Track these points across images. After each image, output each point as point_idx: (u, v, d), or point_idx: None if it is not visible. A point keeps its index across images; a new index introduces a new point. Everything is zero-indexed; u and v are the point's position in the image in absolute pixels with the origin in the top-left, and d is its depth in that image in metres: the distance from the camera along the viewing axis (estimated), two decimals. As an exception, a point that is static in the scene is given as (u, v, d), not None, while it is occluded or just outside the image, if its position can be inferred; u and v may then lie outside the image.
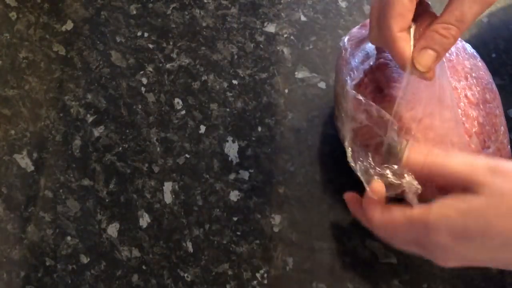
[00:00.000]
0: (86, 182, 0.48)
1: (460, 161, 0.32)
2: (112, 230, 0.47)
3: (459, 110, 0.37)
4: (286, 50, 0.52)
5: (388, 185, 0.34)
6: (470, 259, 0.33)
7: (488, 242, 0.31)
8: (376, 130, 0.36)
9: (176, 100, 0.51)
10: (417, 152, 0.34)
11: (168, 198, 0.47)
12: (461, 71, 0.40)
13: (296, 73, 0.51)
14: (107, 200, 0.48)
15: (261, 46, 0.52)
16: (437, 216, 0.31)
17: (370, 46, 0.40)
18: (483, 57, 0.52)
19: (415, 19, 0.34)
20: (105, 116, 0.51)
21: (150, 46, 0.53)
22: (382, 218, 0.35)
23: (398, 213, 0.34)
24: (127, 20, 0.54)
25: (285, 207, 0.46)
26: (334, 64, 0.47)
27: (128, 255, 0.46)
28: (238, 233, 0.46)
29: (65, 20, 0.55)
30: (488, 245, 0.31)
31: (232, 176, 0.48)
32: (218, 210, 0.47)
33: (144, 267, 0.46)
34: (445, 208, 0.32)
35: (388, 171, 0.34)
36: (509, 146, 0.40)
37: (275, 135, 0.49)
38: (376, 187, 0.34)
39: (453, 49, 0.41)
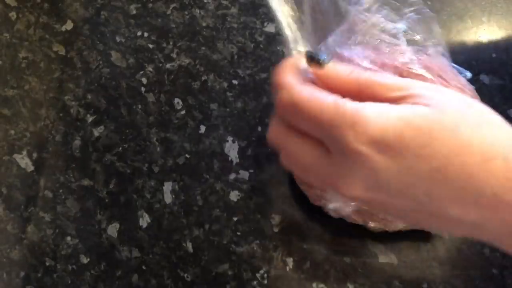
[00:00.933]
0: (86, 182, 0.48)
1: (390, 76, 0.27)
2: (112, 230, 0.47)
3: None
4: (286, 50, 0.52)
5: None
6: (384, 186, 0.25)
7: (423, 163, 0.24)
8: None
9: (176, 100, 0.51)
10: (342, 66, 0.28)
11: (168, 198, 0.47)
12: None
13: (296, 73, 0.51)
14: (107, 200, 0.48)
15: (261, 46, 0.52)
16: (374, 114, 0.24)
17: None
18: (483, 57, 0.52)
19: None
20: (105, 116, 0.51)
21: (150, 46, 0.53)
22: (305, 89, 0.26)
23: (325, 94, 0.26)
24: (127, 20, 0.54)
25: (285, 207, 0.46)
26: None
27: (128, 255, 0.46)
28: (238, 233, 0.46)
29: (65, 20, 0.54)
30: (419, 168, 0.24)
31: (232, 176, 0.48)
32: (218, 210, 0.47)
33: (144, 267, 0.46)
34: (384, 109, 0.24)
35: None
36: None
37: (275, 135, 0.49)
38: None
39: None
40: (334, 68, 0.27)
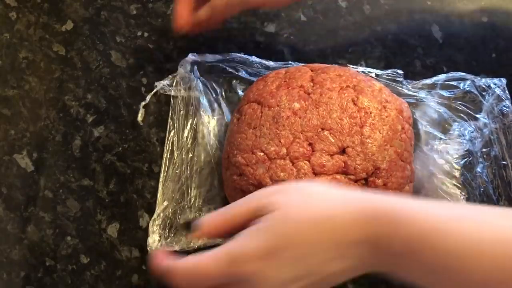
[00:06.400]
0: (86, 182, 0.48)
1: (240, 201, 0.34)
2: (112, 230, 0.47)
3: None
4: (286, 50, 0.52)
5: None
6: (289, 280, 0.31)
7: (297, 250, 0.30)
8: None
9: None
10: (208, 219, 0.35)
11: (168, 198, 0.47)
12: None
13: (296, 73, 0.51)
14: (107, 200, 0.48)
15: (261, 46, 0.52)
16: (239, 243, 0.31)
17: None
18: (483, 57, 0.52)
19: None
20: (105, 116, 0.51)
21: (150, 46, 0.53)
22: (185, 264, 0.32)
23: (202, 257, 0.32)
24: (127, 20, 0.54)
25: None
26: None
27: (128, 255, 0.46)
28: (238, 233, 0.46)
29: (65, 20, 0.55)
30: (297, 255, 0.31)
31: (232, 176, 0.48)
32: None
33: (144, 267, 0.46)
34: (243, 235, 0.32)
35: None
36: None
37: (275, 135, 0.49)
38: None
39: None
40: (208, 222, 0.34)
